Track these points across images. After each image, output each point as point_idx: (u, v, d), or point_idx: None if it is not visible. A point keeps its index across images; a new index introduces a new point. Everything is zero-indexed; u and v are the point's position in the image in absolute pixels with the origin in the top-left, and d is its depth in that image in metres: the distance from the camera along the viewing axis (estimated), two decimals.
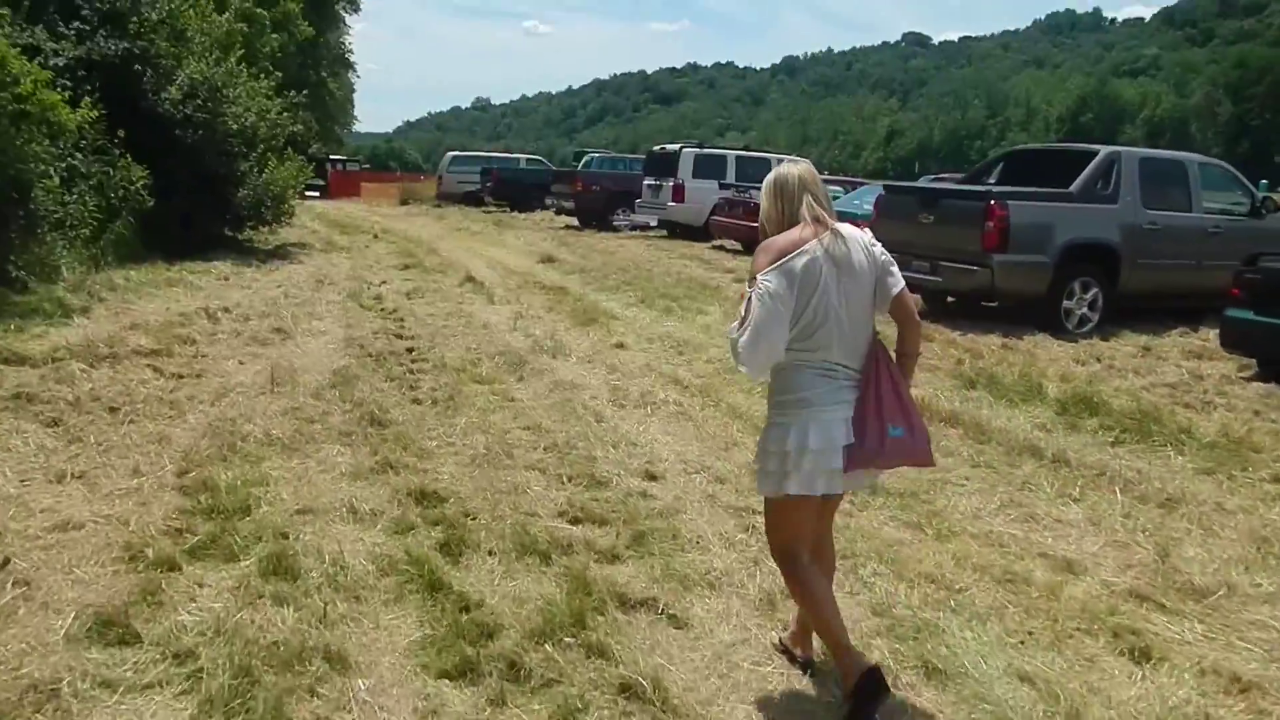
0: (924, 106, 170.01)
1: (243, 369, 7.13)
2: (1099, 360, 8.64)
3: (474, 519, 4.31)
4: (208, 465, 4.74)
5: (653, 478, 5.11)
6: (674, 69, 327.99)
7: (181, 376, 6.68)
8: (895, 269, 2.97)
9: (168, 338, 7.78)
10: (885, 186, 11.88)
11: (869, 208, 13.95)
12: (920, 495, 4.93)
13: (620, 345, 8.76)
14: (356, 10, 52.15)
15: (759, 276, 2.77)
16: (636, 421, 6.23)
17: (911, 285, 10.05)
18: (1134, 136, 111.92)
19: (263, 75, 15.83)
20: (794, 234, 2.84)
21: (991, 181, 11.42)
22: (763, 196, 3.01)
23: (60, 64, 12.11)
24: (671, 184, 19.47)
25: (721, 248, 18.44)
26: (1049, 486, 5.15)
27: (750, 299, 2.78)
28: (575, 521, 4.39)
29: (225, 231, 14.53)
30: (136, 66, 12.61)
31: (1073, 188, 9.90)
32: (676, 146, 19.97)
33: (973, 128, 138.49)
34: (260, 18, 32.86)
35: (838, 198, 16.74)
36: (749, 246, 17.47)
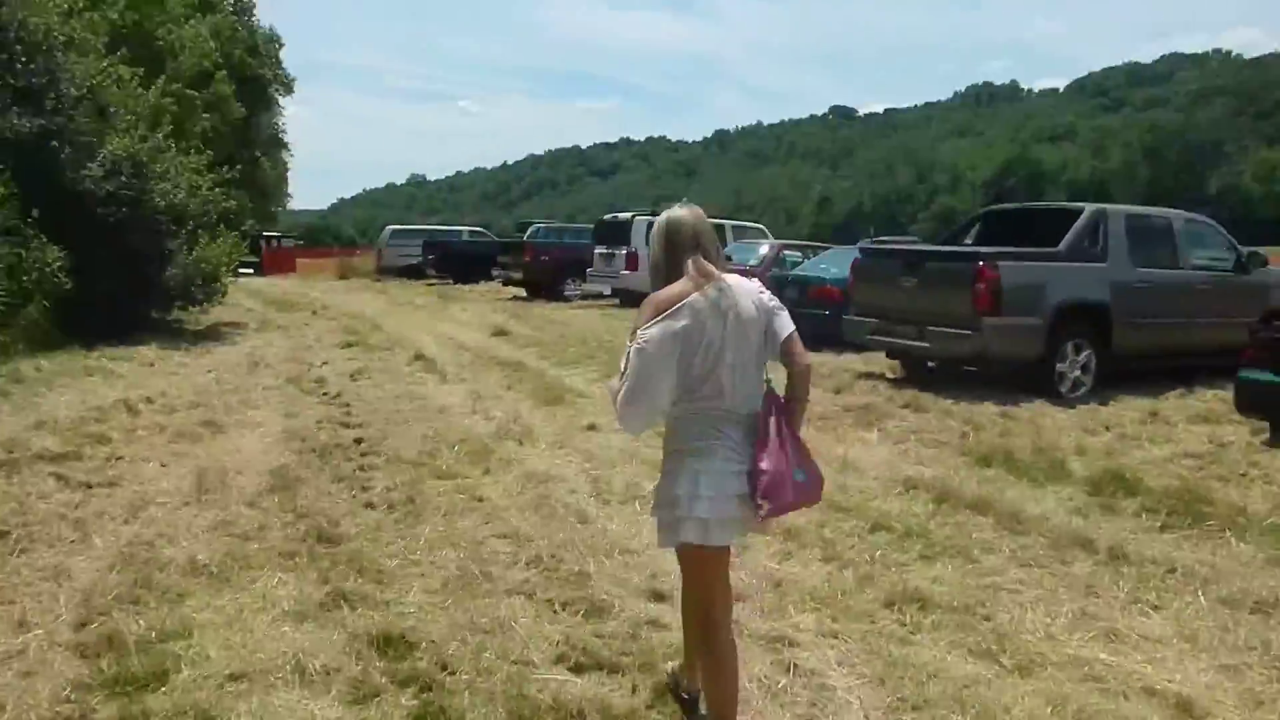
0: (854, 174, 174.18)
1: (165, 473, 6.17)
2: (1107, 429, 8.04)
3: (453, 673, 3.44)
4: (114, 611, 3.81)
5: (660, 597, 4.27)
6: (608, 143, 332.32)
7: (90, 486, 5.71)
8: (784, 314, 2.96)
9: (78, 437, 6.80)
10: (862, 250, 11.36)
11: (836, 271, 13.47)
12: (976, 609, 4.17)
13: (592, 427, 7.94)
14: (290, 92, 51.42)
15: (639, 331, 2.77)
16: (626, 521, 5.41)
17: (895, 352, 9.36)
18: (1057, 196, 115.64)
19: (193, 151, 14.94)
20: (677, 287, 2.82)
21: (969, 242, 10.94)
22: (652, 242, 2.98)
23: None
24: (625, 252, 18.87)
25: None
26: (1118, 590, 4.43)
27: (629, 354, 2.77)
28: (578, 669, 3.54)
29: (152, 313, 13.49)
30: (53, 143, 11.68)
31: (1061, 246, 9.43)
32: (629, 215, 19.45)
33: (902, 193, 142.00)
34: (190, 99, 31.99)
35: (798, 264, 16.27)
36: None
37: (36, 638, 3.60)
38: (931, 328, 9.46)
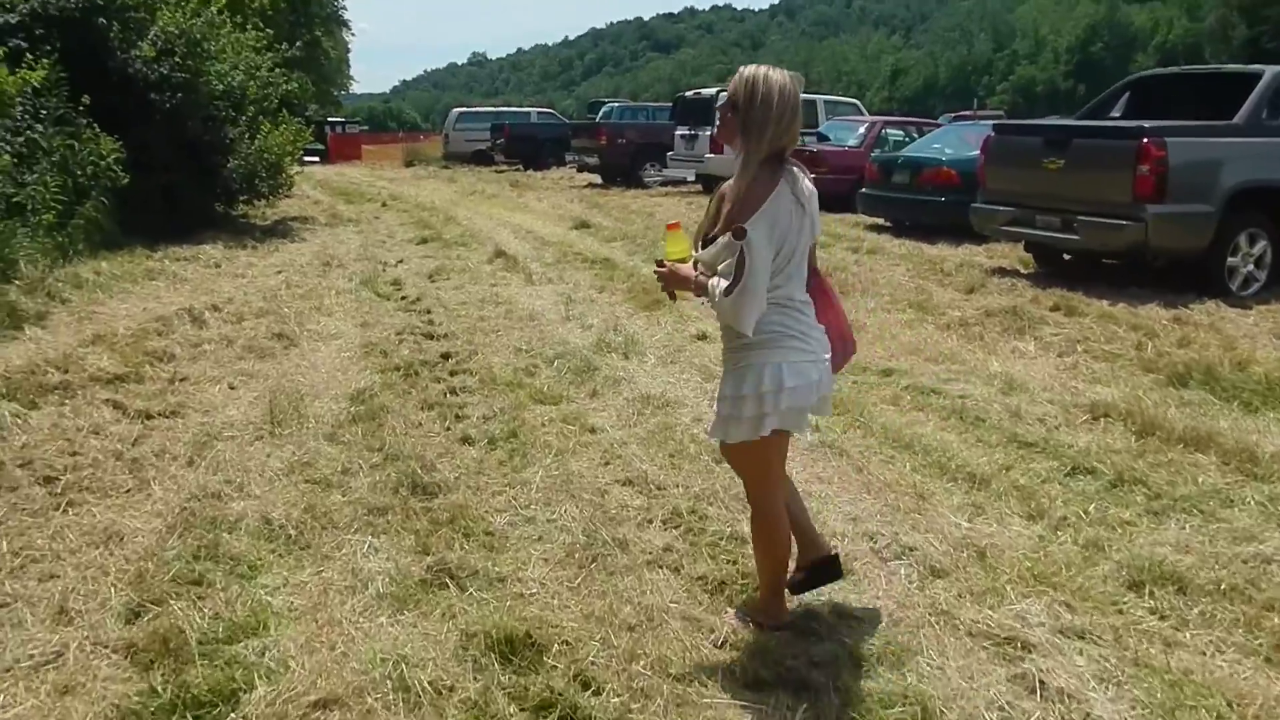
0: (928, 43, 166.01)
1: (233, 398, 5.45)
2: None
3: (598, 693, 2.64)
4: (171, 597, 3.07)
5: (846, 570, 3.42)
6: (670, 14, 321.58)
7: (150, 416, 5.00)
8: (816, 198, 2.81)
9: (138, 354, 6.09)
10: (997, 126, 10.04)
11: (951, 152, 12.17)
12: (1248, 593, 3.24)
13: (703, 337, 7.05)
14: None
15: (749, 229, 2.58)
16: None
17: (1037, 244, 8.15)
18: (1146, 63, 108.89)
19: (251, 28, 13.92)
20: (766, 173, 2.65)
21: (1116, 116, 9.58)
22: (744, 104, 2.64)
23: (11, 21, 10.35)
24: (708, 133, 17.57)
25: None
26: None
27: (742, 253, 2.58)
28: (758, 685, 2.73)
29: (216, 207, 12.75)
30: (100, 20, 10.78)
31: (1238, 118, 8.09)
32: (713, 90, 18.04)
33: (979, 62, 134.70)
34: None
35: (901, 143, 14.90)
36: None
37: (78, 635, 2.88)
38: (1083, 217, 8.26)
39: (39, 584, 3.19)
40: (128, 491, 4.02)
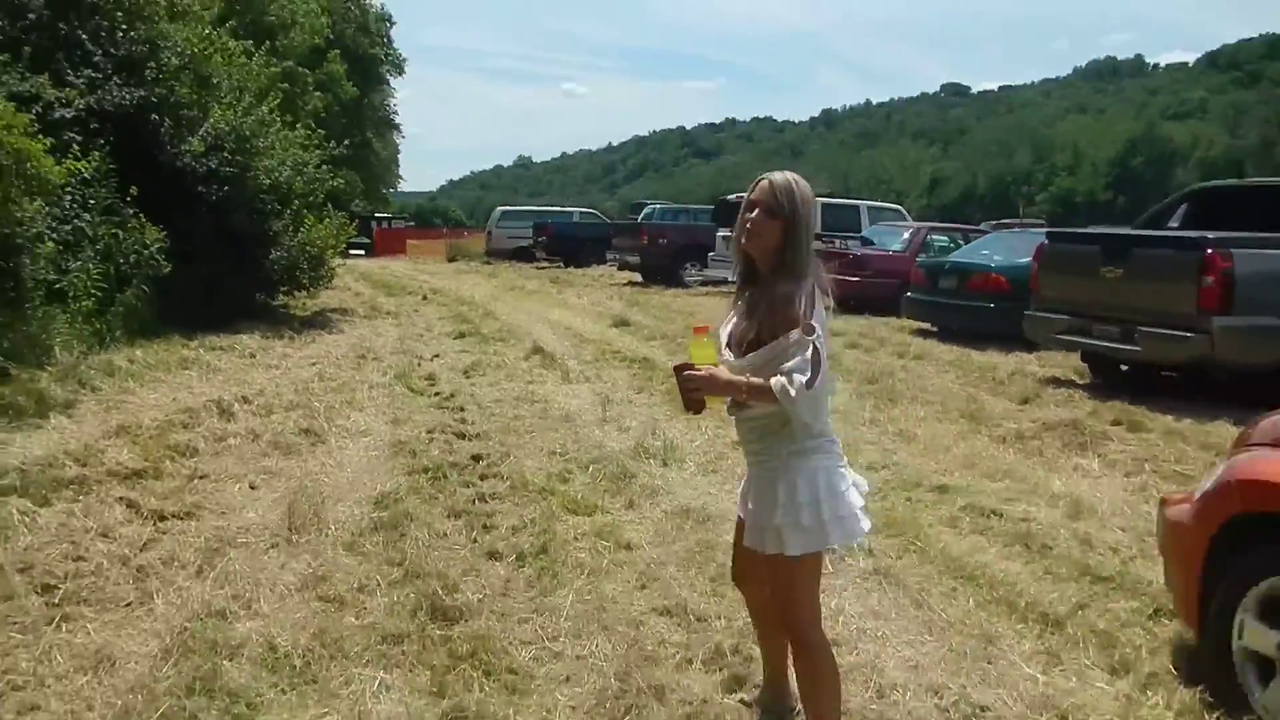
0: (966, 154, 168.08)
1: (253, 499, 5.20)
2: None
3: None
4: None
5: None
6: (712, 124, 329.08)
7: (164, 517, 4.74)
8: None
9: (160, 448, 5.89)
10: (1050, 234, 9.81)
11: (1000, 258, 11.94)
12: None
13: None
14: (401, 73, 51.51)
15: (814, 324, 2.51)
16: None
17: (1093, 354, 7.75)
18: (1186, 178, 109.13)
19: (300, 127, 14.17)
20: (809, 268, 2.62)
21: (1175, 225, 9.30)
22: (796, 211, 2.59)
23: (67, 115, 10.53)
24: None
25: None
26: None
27: (814, 348, 2.50)
28: None
29: (256, 298, 12.76)
30: (153, 116, 10.97)
31: None
32: None
33: (1018, 173, 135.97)
34: (303, 76, 31.80)
35: (949, 248, 14.71)
36: (842, 303, 15.45)
37: None
38: (1143, 328, 7.93)
39: (17, 717, 2.89)
40: (128, 605, 3.73)
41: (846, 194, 17.99)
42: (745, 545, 2.74)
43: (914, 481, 5.87)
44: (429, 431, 6.85)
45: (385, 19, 48.87)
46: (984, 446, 6.86)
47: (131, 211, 10.19)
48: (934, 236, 15.09)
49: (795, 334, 2.50)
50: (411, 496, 5.18)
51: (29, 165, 7.52)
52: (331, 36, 35.74)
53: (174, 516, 4.76)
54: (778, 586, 2.73)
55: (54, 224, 9.77)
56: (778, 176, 2.62)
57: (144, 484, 5.23)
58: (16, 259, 8.48)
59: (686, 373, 2.61)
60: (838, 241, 15.36)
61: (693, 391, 2.62)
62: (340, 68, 38.07)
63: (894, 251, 14.73)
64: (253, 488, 5.40)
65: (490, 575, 4.16)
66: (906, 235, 15.11)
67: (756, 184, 2.66)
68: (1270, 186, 9.65)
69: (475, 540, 4.60)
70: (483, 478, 5.73)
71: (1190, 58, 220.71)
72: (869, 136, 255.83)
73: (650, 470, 5.98)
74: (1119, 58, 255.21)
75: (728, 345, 2.69)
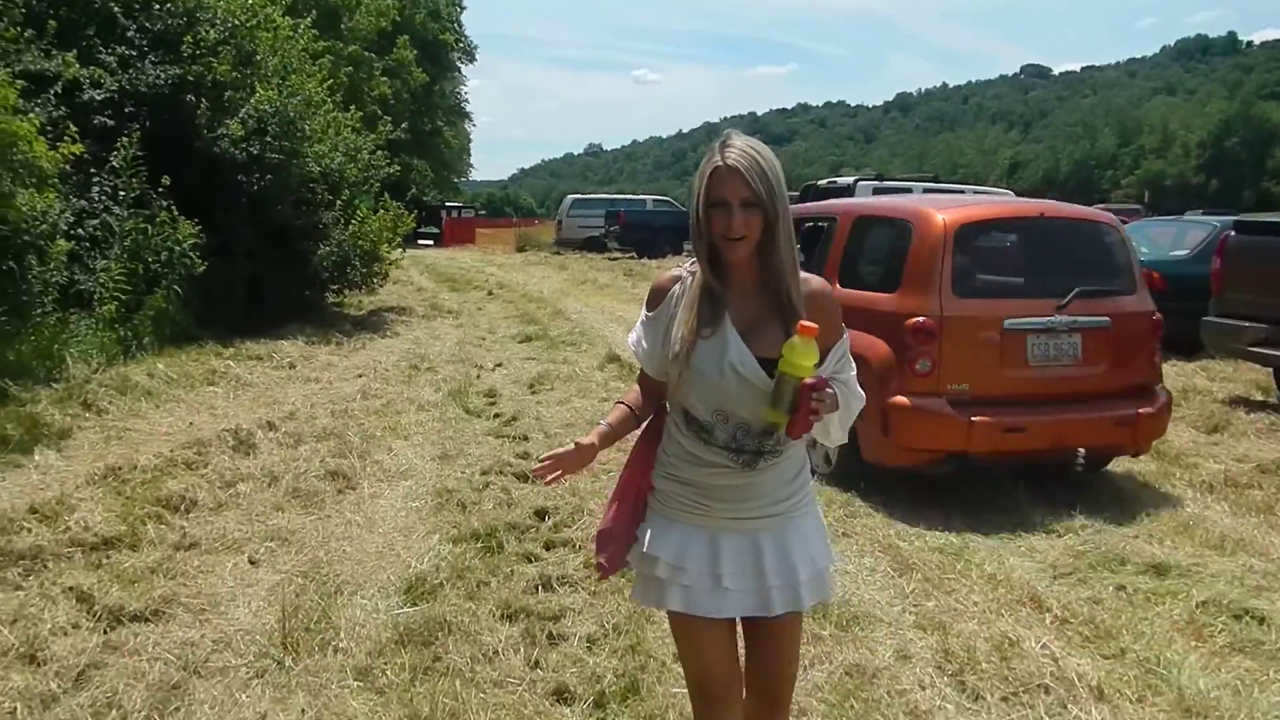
0: (1048, 137, 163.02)
1: (246, 585, 3.94)
2: None
3: None
4: None
5: None
6: (784, 110, 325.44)
7: (120, 622, 3.49)
8: None
9: (149, 501, 4.69)
10: (1241, 224, 8.14)
11: (1148, 251, 10.25)
12: None
13: (877, 489, 5.33)
14: (472, 60, 50.73)
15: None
16: None
17: None
18: None
19: (352, 108, 13.01)
20: None
21: None
22: (783, 192, 1.99)
23: (98, 97, 9.51)
24: None
25: None
26: None
27: (848, 353, 2.13)
28: None
29: (305, 295, 11.63)
30: (189, 97, 9.88)
31: None
32: (850, 179, 16.48)
33: (1103, 157, 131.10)
34: (369, 60, 30.98)
35: None
36: None
37: None
38: None
39: None
40: None
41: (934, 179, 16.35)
42: (743, 616, 2.13)
43: (1116, 557, 4.39)
44: (483, 473, 5.56)
45: (456, 4, 48.06)
46: (1189, 499, 5.33)
47: (164, 204, 9.11)
48: None
49: (846, 337, 2.13)
50: (454, 584, 3.87)
51: (17, 150, 6.35)
52: (400, 20, 34.87)
53: (135, 618, 3.51)
54: (790, 650, 2.21)
55: (78, 218, 8.80)
56: (750, 145, 1.98)
57: (111, 560, 4.01)
58: (21, 259, 7.45)
59: (824, 389, 1.92)
60: None
61: (815, 413, 1.92)
62: (410, 54, 37.26)
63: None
64: (252, 563, 4.16)
65: None
66: None
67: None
68: None
69: (536, 665, 3.26)
70: (549, 546, 4.40)
71: None
72: (945, 120, 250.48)
73: None
74: (1210, 36, 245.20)
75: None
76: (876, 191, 15.98)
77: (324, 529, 4.61)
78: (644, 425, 2.22)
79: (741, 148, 1.95)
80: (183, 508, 4.74)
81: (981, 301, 5.17)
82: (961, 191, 16.24)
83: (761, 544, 2.06)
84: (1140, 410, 5.22)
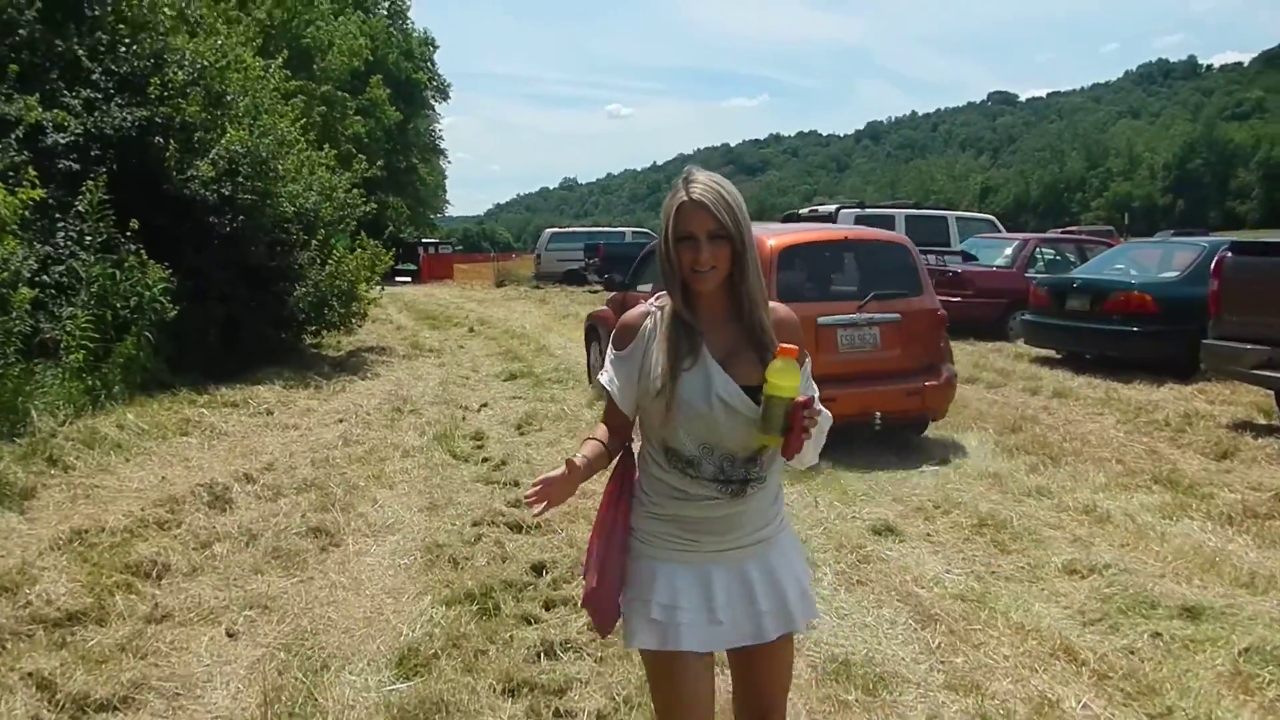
0: (1017, 162, 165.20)
1: (223, 662, 3.63)
2: None
3: None
4: None
5: None
6: (757, 140, 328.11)
7: (85, 710, 3.20)
8: None
9: (118, 569, 4.38)
10: (1237, 245, 8.01)
11: (1137, 274, 10.18)
12: None
13: (889, 529, 5.10)
14: (445, 98, 50.70)
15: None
16: None
17: None
18: (1249, 179, 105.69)
19: (326, 146, 12.76)
20: None
21: None
22: (747, 223, 2.04)
23: (61, 141, 9.22)
24: None
25: None
26: None
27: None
28: None
29: (281, 337, 11.29)
30: (157, 139, 9.60)
31: None
32: (832, 207, 16.36)
33: (1072, 180, 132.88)
34: (342, 100, 30.80)
35: (1057, 262, 12.96)
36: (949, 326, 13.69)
37: None
38: None
39: None
40: None
41: (915, 205, 16.06)
42: (734, 649, 2.15)
43: (1146, 600, 4.17)
44: (474, 524, 5.28)
45: (429, 43, 48.07)
46: (1210, 534, 5.11)
47: (133, 248, 8.81)
48: (1043, 249, 13.25)
49: (808, 361, 2.12)
50: (449, 654, 3.58)
51: None
52: (373, 60, 34.74)
53: (101, 708, 3.20)
54: (783, 671, 2.24)
55: (42, 264, 8.48)
56: (713, 180, 2.03)
57: (76, 638, 3.70)
58: None
59: (813, 407, 1.98)
60: (932, 257, 13.61)
61: (806, 431, 1.96)
62: (383, 93, 37.10)
63: (998, 267, 12.95)
64: (230, 635, 3.85)
65: None
66: (1011, 249, 13.30)
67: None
68: None
69: None
70: (548, 606, 4.13)
71: (1245, 57, 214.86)
72: (915, 147, 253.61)
73: None
74: (1171, 60, 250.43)
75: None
76: (859, 219, 15.91)
77: (307, 593, 4.31)
78: (614, 462, 2.19)
79: (705, 182, 1.99)
80: (154, 574, 4.43)
81: (801, 304, 5.57)
82: (944, 218, 16.24)
83: (750, 572, 2.08)
84: (927, 383, 6.74)
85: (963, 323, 12.72)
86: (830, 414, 2.09)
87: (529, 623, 3.93)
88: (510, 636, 3.77)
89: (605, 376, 2.13)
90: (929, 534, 5.15)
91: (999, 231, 16.20)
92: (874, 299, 6.61)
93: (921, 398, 6.70)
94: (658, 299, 2.11)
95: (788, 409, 1.91)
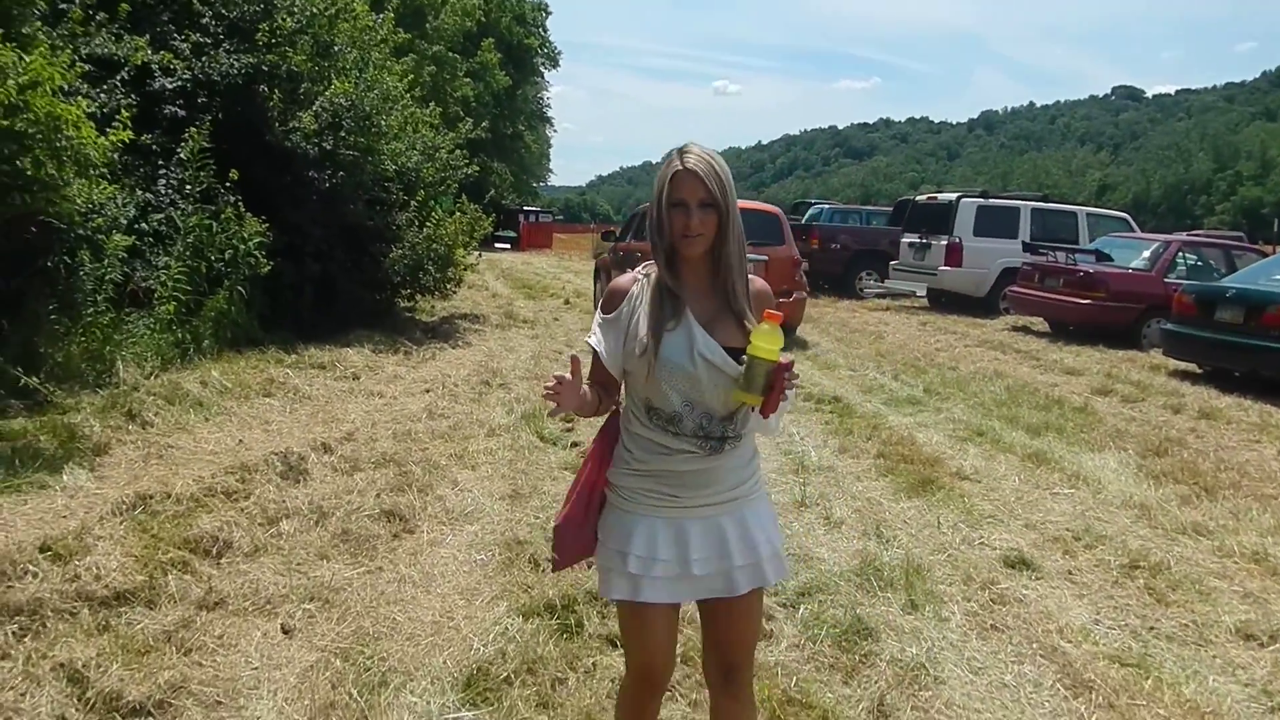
0: (1139, 160, 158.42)
1: (276, 665, 3.25)
2: None
3: None
4: None
5: None
6: (865, 124, 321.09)
7: (114, 712, 2.84)
8: None
9: (175, 544, 4.06)
10: None
11: None
12: None
13: (1025, 564, 4.49)
14: (555, 65, 50.46)
15: None
16: None
17: None
18: None
19: (432, 104, 12.43)
20: None
21: None
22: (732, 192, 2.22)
23: (169, 86, 9.06)
24: (945, 243, 14.96)
25: (1025, 329, 13.67)
26: None
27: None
28: None
29: (375, 299, 11.04)
30: (262, 87, 9.37)
31: None
32: (952, 196, 15.48)
33: (1197, 181, 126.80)
34: (453, 61, 30.73)
35: (1199, 267, 11.92)
36: (1060, 327, 12.78)
37: None
38: None
39: None
40: None
41: (1044, 198, 14.85)
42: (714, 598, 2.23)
43: None
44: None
45: (542, 8, 47.86)
46: None
47: (231, 199, 8.61)
48: (1185, 254, 12.18)
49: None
50: (523, 680, 3.13)
51: (61, 137, 5.80)
52: (485, 22, 34.63)
53: (132, 712, 2.84)
54: (752, 623, 2.31)
55: (141, 212, 8.33)
56: (707, 152, 2.15)
57: (122, 621, 3.37)
58: (74, 254, 6.97)
59: (792, 369, 2.06)
60: (1060, 255, 12.67)
61: (783, 395, 2.05)
62: (494, 56, 37.01)
63: (1135, 270, 11.96)
64: (285, 632, 3.47)
65: None
66: (1150, 250, 12.27)
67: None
68: None
69: None
70: None
71: None
72: (1030, 139, 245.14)
73: (889, 617, 3.80)
74: None
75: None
76: (981, 209, 15.00)
77: (373, 587, 3.91)
78: (603, 421, 2.31)
79: (699, 154, 2.11)
80: (214, 551, 4.09)
81: None
82: (1074, 214, 15.23)
83: (725, 527, 2.19)
84: (782, 301, 7.58)
85: (1092, 327, 11.82)
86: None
87: (614, 646, 3.45)
88: (593, 664, 3.30)
89: (594, 339, 2.19)
90: (1070, 571, 4.51)
91: (1133, 231, 15.07)
92: (751, 245, 7.52)
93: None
94: (645, 267, 2.21)
95: (770, 370, 1.99)
